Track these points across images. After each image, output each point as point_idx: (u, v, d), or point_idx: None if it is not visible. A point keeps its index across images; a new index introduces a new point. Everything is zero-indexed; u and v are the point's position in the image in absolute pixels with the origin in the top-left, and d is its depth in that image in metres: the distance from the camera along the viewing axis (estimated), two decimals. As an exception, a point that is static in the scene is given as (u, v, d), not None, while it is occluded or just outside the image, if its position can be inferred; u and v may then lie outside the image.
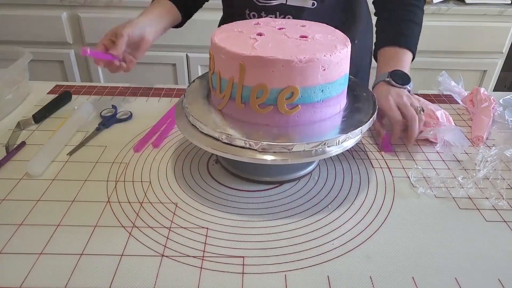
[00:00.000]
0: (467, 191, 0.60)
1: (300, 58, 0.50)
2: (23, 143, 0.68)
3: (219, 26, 0.95)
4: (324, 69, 0.52)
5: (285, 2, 0.76)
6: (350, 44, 0.56)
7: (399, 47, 0.75)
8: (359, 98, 0.63)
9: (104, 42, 0.75)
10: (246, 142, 0.51)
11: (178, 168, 0.64)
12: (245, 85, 0.52)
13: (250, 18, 0.80)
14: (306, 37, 0.56)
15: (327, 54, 0.51)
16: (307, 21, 0.64)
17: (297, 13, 0.77)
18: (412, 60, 0.77)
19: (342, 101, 0.60)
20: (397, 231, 0.53)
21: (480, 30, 1.61)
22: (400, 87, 0.69)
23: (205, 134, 0.54)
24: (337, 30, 0.61)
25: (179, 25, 0.91)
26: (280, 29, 0.59)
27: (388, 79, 0.70)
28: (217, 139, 0.53)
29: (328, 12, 0.78)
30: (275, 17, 0.77)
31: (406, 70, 0.72)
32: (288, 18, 0.77)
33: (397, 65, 0.72)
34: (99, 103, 0.83)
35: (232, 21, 0.64)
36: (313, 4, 0.76)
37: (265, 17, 0.78)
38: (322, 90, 0.53)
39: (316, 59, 0.50)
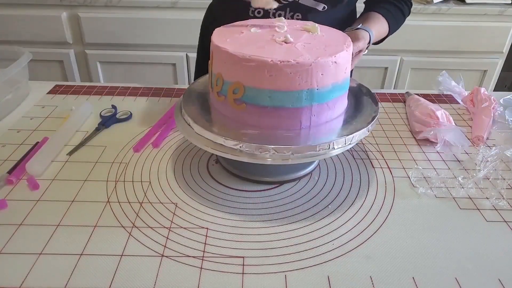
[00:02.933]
0: (467, 191, 0.60)
1: (304, 60, 0.50)
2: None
3: (204, 20, 0.94)
4: (328, 71, 0.52)
5: (298, 0, 0.76)
6: (352, 46, 0.56)
7: (382, 16, 0.79)
8: (360, 99, 0.63)
9: None
10: (248, 143, 0.51)
11: (178, 168, 0.64)
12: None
13: (254, 16, 0.79)
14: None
15: (331, 56, 0.51)
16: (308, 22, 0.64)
17: (306, 13, 0.77)
18: (375, 42, 0.80)
19: (344, 102, 0.60)
20: (397, 231, 0.53)
21: (480, 30, 1.61)
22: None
23: (205, 134, 0.54)
24: (339, 31, 0.61)
25: None
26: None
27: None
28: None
29: (333, 18, 0.79)
30: (284, 15, 0.77)
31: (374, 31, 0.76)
32: (297, 16, 0.77)
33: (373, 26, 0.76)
34: (99, 103, 0.83)
35: (227, 18, 0.63)
36: (324, 7, 0.76)
37: (273, 13, 0.77)
38: (324, 92, 0.53)
39: (320, 60, 0.50)
